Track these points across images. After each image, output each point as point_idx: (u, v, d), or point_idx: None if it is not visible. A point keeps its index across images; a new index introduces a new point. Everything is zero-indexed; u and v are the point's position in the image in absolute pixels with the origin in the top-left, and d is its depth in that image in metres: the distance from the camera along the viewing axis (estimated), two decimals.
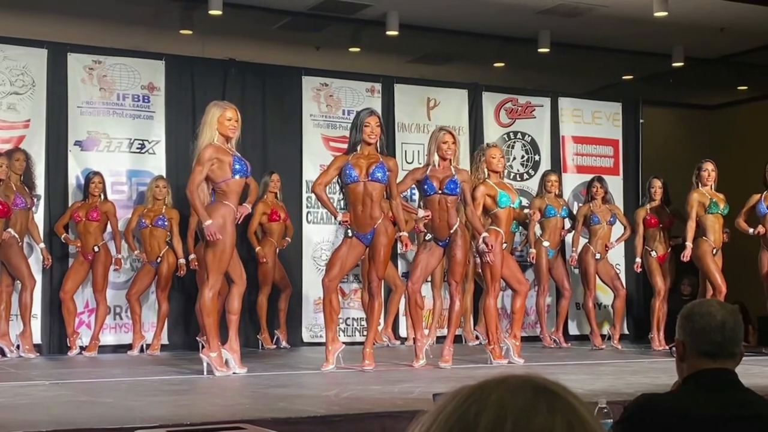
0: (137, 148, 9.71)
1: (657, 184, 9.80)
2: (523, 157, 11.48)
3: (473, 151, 9.32)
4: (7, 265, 8.61)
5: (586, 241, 10.06)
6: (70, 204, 9.28)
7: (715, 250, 9.04)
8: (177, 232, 9.25)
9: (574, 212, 10.35)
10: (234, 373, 6.69)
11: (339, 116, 10.52)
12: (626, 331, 11.12)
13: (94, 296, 9.12)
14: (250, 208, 7.26)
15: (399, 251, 10.25)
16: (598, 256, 9.93)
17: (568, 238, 10.29)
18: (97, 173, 9.16)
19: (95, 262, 9.04)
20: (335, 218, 7.58)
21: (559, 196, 10.34)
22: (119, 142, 9.63)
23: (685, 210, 9.17)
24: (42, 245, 8.93)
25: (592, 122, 11.84)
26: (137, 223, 9.27)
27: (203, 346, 7.33)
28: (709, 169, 9.12)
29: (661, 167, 10.90)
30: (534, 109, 11.57)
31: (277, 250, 9.71)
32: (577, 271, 10.34)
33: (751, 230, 9.06)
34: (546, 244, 10.01)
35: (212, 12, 9.32)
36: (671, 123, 14.57)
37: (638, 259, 9.75)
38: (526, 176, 11.39)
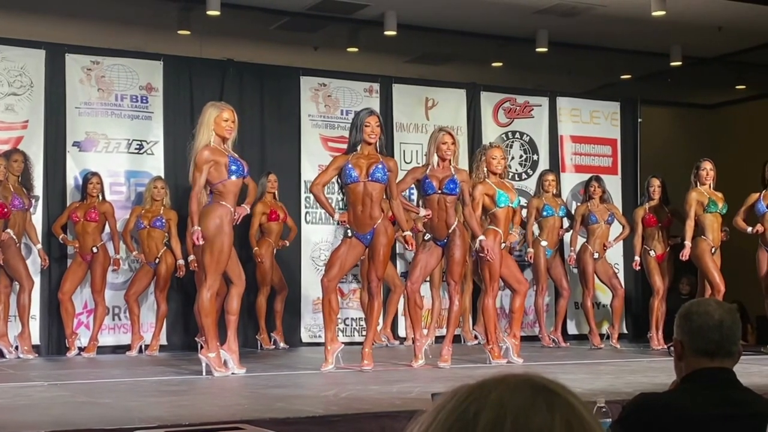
0: (135, 149, 9.71)
1: (656, 183, 9.80)
2: (521, 156, 11.47)
3: (471, 151, 9.32)
4: (5, 266, 8.59)
5: (585, 240, 10.06)
6: (68, 205, 9.28)
7: (713, 249, 9.04)
8: (175, 233, 9.24)
9: (572, 212, 10.35)
10: (233, 373, 6.69)
11: (337, 116, 10.51)
12: (625, 331, 11.12)
13: (93, 297, 9.11)
14: (249, 209, 7.25)
15: (398, 251, 10.26)
16: (596, 255, 9.93)
17: (567, 237, 10.30)
18: (95, 174, 9.15)
19: (93, 263, 9.03)
20: (333, 218, 7.59)
21: (557, 195, 10.34)
22: (117, 143, 9.62)
23: (684, 209, 9.16)
24: (39, 246, 8.92)
25: (591, 122, 11.84)
26: (135, 224, 9.26)
27: (202, 347, 7.32)
28: (707, 168, 9.11)
29: (659, 166, 10.89)
30: (532, 109, 11.56)
31: (275, 251, 9.70)
32: (575, 270, 10.34)
33: (749, 229, 9.06)
34: (544, 243, 10.01)
35: (210, 12, 9.31)
36: (669, 122, 14.57)
37: (637, 258, 9.74)
38: (524, 176, 11.39)
